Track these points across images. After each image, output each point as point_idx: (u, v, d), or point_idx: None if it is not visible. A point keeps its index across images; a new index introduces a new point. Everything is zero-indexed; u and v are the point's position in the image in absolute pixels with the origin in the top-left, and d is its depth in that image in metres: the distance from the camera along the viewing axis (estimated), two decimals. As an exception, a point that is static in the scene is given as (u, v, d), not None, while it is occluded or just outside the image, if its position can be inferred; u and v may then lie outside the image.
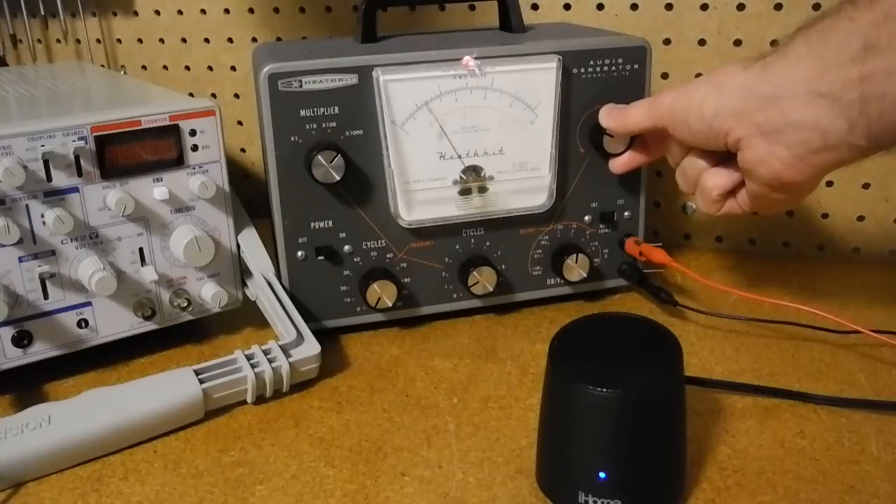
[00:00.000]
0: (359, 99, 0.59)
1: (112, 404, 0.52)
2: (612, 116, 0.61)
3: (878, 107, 0.43)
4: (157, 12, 0.92)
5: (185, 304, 0.61)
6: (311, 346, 0.58)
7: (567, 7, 0.79)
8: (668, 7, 0.76)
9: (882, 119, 0.43)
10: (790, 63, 0.47)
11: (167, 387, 0.53)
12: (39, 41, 1.00)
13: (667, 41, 0.77)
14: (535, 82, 0.62)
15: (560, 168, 0.64)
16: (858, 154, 0.46)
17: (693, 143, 0.55)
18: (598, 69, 0.63)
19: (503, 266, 0.66)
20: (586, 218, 0.67)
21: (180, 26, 0.92)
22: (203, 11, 0.90)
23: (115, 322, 0.59)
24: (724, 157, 0.55)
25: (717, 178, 0.55)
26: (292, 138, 0.59)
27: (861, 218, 0.77)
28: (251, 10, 0.89)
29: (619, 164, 0.64)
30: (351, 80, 0.59)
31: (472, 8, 0.82)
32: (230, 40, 0.91)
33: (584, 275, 0.66)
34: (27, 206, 0.54)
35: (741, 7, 0.74)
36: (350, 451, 0.51)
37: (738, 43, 0.75)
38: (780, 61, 0.48)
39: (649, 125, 0.58)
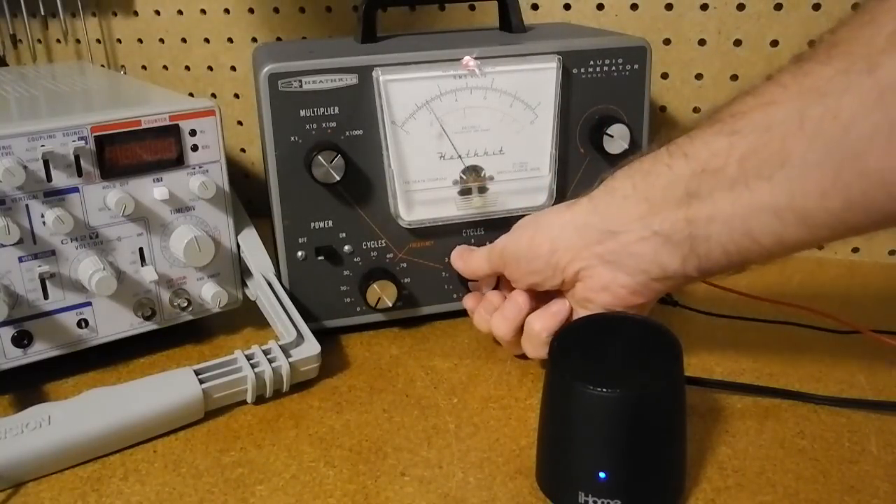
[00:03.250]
0: (359, 99, 0.59)
1: (112, 404, 0.52)
2: (461, 258, 0.62)
3: (704, 247, 0.47)
4: (157, 12, 0.92)
5: (185, 304, 0.61)
6: (311, 346, 0.58)
7: (567, 7, 0.79)
8: (668, 7, 0.76)
9: (708, 257, 0.47)
10: (617, 201, 0.50)
11: (167, 387, 0.53)
12: (39, 41, 1.00)
13: (667, 41, 0.77)
14: (535, 82, 0.62)
15: (560, 168, 0.64)
16: (690, 282, 0.51)
17: (525, 283, 0.56)
18: (598, 69, 0.63)
19: (503, 266, 0.66)
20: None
21: (180, 26, 0.92)
22: (203, 11, 0.90)
23: (115, 322, 0.59)
24: (542, 300, 0.56)
25: (544, 321, 0.55)
26: (292, 138, 0.59)
27: (861, 218, 0.77)
28: (251, 10, 0.89)
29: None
30: (351, 80, 0.59)
31: (472, 8, 0.82)
32: (230, 40, 0.91)
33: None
34: (27, 206, 0.54)
35: (741, 7, 0.74)
36: (350, 451, 0.51)
37: (738, 43, 0.75)
38: (606, 198, 0.51)
39: (489, 271, 0.59)
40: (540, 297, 0.57)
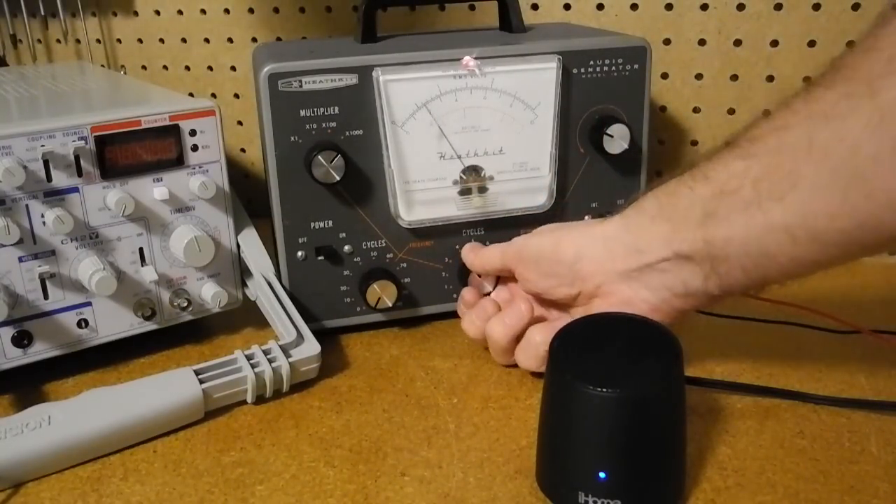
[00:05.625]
0: (359, 99, 0.59)
1: (112, 404, 0.52)
2: (473, 252, 0.62)
3: (724, 266, 0.48)
4: (157, 12, 0.92)
5: (185, 304, 0.61)
6: (311, 346, 0.58)
7: (567, 7, 0.79)
8: (668, 7, 0.76)
9: (729, 275, 0.48)
10: (646, 221, 0.51)
11: (167, 387, 0.53)
12: (39, 41, 1.00)
13: (667, 41, 0.77)
14: (535, 82, 0.62)
15: (560, 168, 0.64)
16: (713, 301, 0.51)
17: (537, 287, 0.56)
18: (598, 69, 0.63)
19: (503, 266, 0.66)
20: (586, 218, 0.66)
21: (180, 26, 0.92)
22: (203, 11, 0.90)
23: (115, 322, 0.59)
24: (545, 310, 0.57)
25: (546, 335, 0.54)
26: (292, 138, 0.59)
27: (861, 218, 0.77)
28: (251, 10, 0.89)
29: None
30: (351, 80, 0.59)
31: (472, 8, 0.82)
32: (230, 40, 0.91)
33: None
34: (27, 206, 0.54)
35: (741, 7, 0.74)
36: (350, 451, 0.51)
37: (738, 43, 0.75)
38: (636, 217, 0.52)
39: (500, 266, 0.59)
40: (541, 308, 0.57)
